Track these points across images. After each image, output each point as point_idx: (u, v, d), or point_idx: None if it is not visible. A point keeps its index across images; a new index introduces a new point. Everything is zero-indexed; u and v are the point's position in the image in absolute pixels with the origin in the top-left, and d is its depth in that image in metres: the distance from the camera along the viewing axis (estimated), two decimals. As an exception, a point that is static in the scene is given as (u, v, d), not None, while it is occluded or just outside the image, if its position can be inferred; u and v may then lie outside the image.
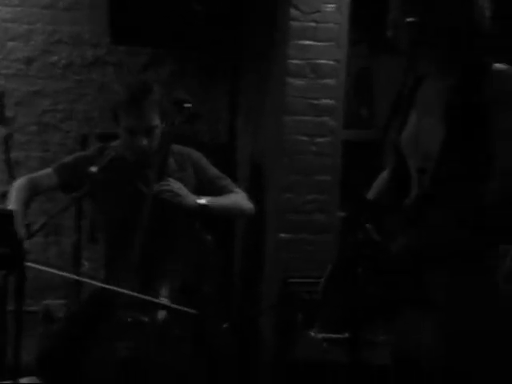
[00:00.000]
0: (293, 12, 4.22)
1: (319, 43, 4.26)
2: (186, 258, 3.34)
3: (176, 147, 3.45)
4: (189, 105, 3.32)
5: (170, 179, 3.31)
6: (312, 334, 3.76)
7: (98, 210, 3.56)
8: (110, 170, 3.22)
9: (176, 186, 3.29)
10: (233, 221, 4.94)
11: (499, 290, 2.45)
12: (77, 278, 3.93)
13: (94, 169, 3.03)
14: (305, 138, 4.30)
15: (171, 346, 3.14)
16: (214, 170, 3.54)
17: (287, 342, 3.97)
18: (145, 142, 3.29)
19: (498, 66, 2.36)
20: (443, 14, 2.37)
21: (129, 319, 3.06)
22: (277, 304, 4.24)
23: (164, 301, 3.10)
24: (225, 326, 3.09)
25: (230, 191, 3.50)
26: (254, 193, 3.99)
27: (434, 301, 2.37)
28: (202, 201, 3.32)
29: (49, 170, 3.45)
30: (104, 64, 5.09)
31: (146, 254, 3.18)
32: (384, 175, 2.78)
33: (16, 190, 3.32)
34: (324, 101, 4.32)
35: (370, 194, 2.70)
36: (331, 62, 4.29)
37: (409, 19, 2.36)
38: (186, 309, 3.00)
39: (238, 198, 3.53)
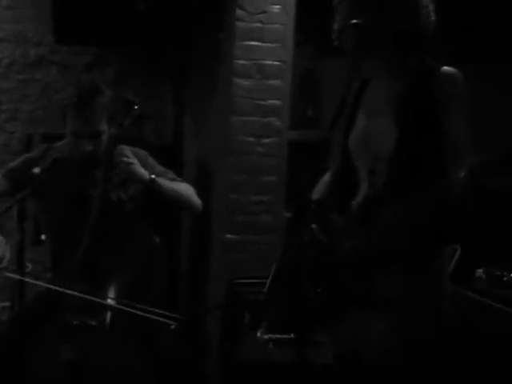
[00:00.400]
0: (239, 12, 4.21)
1: (265, 44, 4.27)
2: (134, 259, 3.32)
3: (124, 149, 3.42)
4: (137, 106, 3.30)
5: (126, 148, 3.30)
6: (258, 334, 3.76)
7: (43, 211, 3.51)
8: (54, 170, 3.18)
9: (129, 155, 3.28)
10: (180, 221, 4.92)
11: (445, 291, 2.48)
12: (26, 279, 3.87)
13: (36, 170, 2.99)
14: (251, 139, 4.30)
15: (118, 348, 3.12)
16: (160, 167, 3.54)
17: (234, 343, 3.96)
18: (90, 147, 3.27)
19: (445, 68, 2.39)
20: (388, 16, 2.39)
21: (75, 322, 3.03)
22: (223, 305, 4.23)
23: (111, 302, 3.07)
24: (172, 326, 3.07)
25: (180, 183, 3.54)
26: (200, 193, 3.96)
27: (384, 303, 2.39)
28: (153, 177, 3.32)
29: None
30: (48, 63, 5.03)
31: (92, 255, 3.16)
32: (327, 176, 2.80)
33: None
34: (270, 101, 4.33)
35: (315, 195, 2.71)
36: (277, 63, 4.30)
37: (354, 21, 2.38)
38: (134, 310, 2.98)
39: (188, 189, 3.56)
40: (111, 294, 3.16)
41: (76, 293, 2.96)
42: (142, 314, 2.94)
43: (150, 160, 3.54)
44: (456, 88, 2.37)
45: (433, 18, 2.46)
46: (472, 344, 3.31)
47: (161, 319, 2.98)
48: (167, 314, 3.04)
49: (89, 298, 2.96)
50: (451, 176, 2.24)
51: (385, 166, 2.42)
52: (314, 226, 2.47)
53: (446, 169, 2.29)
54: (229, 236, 4.31)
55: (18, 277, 3.84)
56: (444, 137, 2.33)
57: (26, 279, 3.65)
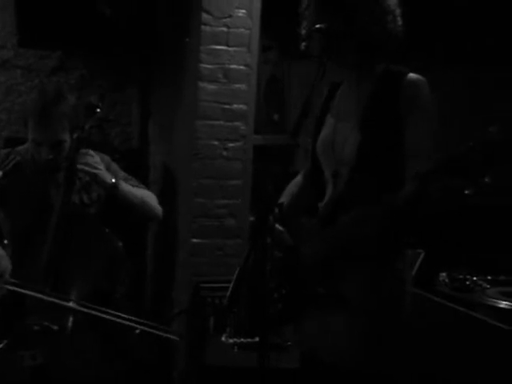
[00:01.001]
0: (204, 16, 4.21)
1: (231, 48, 4.27)
2: (97, 264, 3.31)
3: (89, 153, 3.41)
4: (99, 109, 3.29)
5: (90, 151, 3.28)
6: (223, 338, 3.76)
7: (5, 215, 3.49)
8: (15, 174, 3.16)
9: (94, 159, 3.27)
10: (145, 225, 4.90)
11: (406, 292, 2.50)
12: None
13: None
14: (216, 143, 4.30)
15: (81, 353, 3.10)
16: (123, 173, 3.53)
17: (199, 347, 3.95)
18: (50, 156, 3.25)
19: (411, 75, 2.41)
20: (354, 22, 2.40)
21: (35, 327, 3.00)
22: (188, 309, 4.22)
23: (73, 306, 3.05)
24: (137, 331, 3.06)
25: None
26: (165, 197, 3.96)
27: (345, 303, 2.41)
28: (115, 180, 3.31)
29: None
30: (11, 67, 4.98)
31: (55, 260, 3.14)
32: (297, 179, 2.81)
33: None
34: (236, 106, 4.33)
35: (284, 197, 2.72)
36: (242, 67, 4.30)
37: (319, 26, 2.39)
38: (97, 313, 2.97)
39: (150, 196, 3.56)
40: (74, 297, 3.14)
41: (40, 295, 2.93)
42: (106, 317, 2.93)
43: (113, 165, 3.53)
44: (420, 95, 2.39)
45: (400, 24, 2.48)
46: (433, 346, 3.33)
47: (125, 323, 2.97)
48: (132, 318, 3.03)
49: (52, 300, 2.94)
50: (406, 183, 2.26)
51: (347, 170, 2.44)
52: (278, 228, 2.49)
53: (405, 174, 2.31)
54: (194, 240, 4.31)
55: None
56: (406, 143, 2.35)
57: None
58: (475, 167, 2.04)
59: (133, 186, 3.50)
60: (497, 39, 4.80)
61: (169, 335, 3.04)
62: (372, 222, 2.32)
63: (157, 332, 3.03)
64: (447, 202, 2.18)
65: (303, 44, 2.52)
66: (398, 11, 2.47)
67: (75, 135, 3.28)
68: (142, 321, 3.05)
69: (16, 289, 3.01)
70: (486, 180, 2.06)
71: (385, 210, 2.28)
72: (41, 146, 3.25)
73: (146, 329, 3.03)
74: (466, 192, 2.11)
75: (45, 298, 2.95)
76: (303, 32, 2.52)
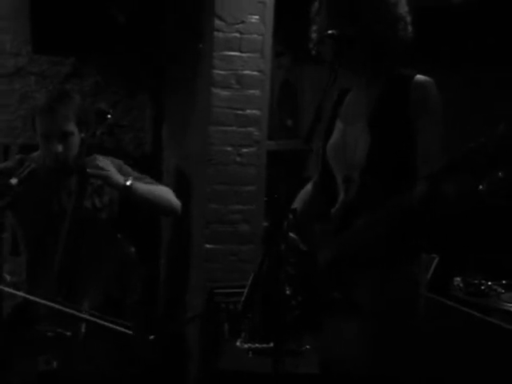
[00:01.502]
0: (217, 23, 4.22)
1: (244, 54, 4.28)
2: (109, 270, 3.32)
3: (97, 157, 3.42)
4: (110, 116, 3.30)
5: (99, 156, 3.30)
6: (238, 344, 3.76)
7: (19, 222, 3.50)
8: (30, 181, 3.17)
9: (104, 162, 3.28)
10: (159, 230, 4.91)
11: (420, 296, 2.50)
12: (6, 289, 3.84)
13: (13, 181, 2.98)
14: (230, 149, 4.30)
15: (94, 360, 3.10)
16: (136, 173, 3.53)
17: (213, 353, 3.96)
18: (60, 148, 3.27)
19: (419, 77, 2.41)
20: (365, 27, 2.41)
21: (49, 333, 3.01)
22: (201, 314, 4.22)
23: (86, 314, 3.06)
24: (151, 337, 3.05)
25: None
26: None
27: (358, 307, 2.41)
28: (129, 182, 3.32)
29: None
30: (26, 74, 5.00)
31: (67, 266, 3.14)
32: (309, 186, 2.82)
33: None
34: (249, 111, 4.33)
35: (296, 204, 2.72)
36: (256, 73, 4.31)
37: (331, 32, 2.39)
38: (108, 324, 2.96)
39: (166, 191, 3.57)
40: (86, 304, 3.14)
41: (51, 303, 2.94)
42: (115, 327, 2.92)
43: (125, 167, 3.54)
44: (429, 97, 2.39)
45: (410, 30, 2.49)
46: (448, 351, 3.32)
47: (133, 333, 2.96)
48: (142, 326, 3.02)
49: (63, 309, 2.94)
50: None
51: (359, 174, 2.44)
52: (291, 234, 2.49)
53: (416, 177, 2.31)
54: (207, 246, 4.31)
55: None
56: (416, 145, 2.36)
57: (6, 289, 3.63)
58: (488, 162, 2.05)
59: (148, 183, 3.50)
60: (498, 39, 4.82)
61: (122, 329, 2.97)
62: (384, 224, 2.32)
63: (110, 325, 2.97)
64: (462, 200, 2.17)
65: (314, 49, 2.53)
66: (408, 18, 2.49)
67: (86, 139, 3.29)
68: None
69: (28, 297, 3.02)
70: (500, 175, 2.06)
71: (397, 212, 2.28)
72: (49, 139, 3.28)
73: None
74: (481, 188, 2.11)
75: (56, 306, 2.94)
76: (314, 36, 2.53)
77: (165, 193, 3.57)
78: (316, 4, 2.54)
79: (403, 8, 2.47)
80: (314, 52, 2.54)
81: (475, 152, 2.06)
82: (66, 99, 3.30)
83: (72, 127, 3.29)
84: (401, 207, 2.26)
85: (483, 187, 2.10)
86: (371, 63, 2.49)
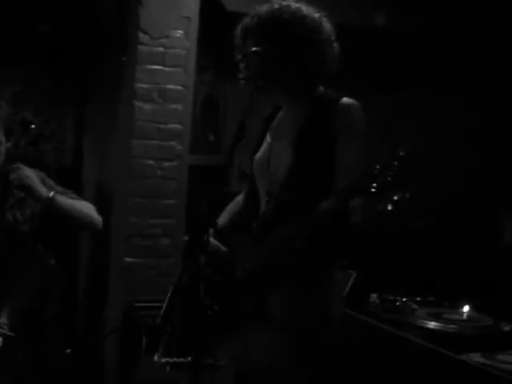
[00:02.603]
0: (141, 36, 4.23)
1: (167, 68, 4.29)
2: (28, 282, 3.27)
3: (21, 167, 3.37)
4: (33, 125, 3.26)
5: (23, 166, 3.24)
6: (155, 358, 3.74)
7: None
8: None
9: (28, 172, 3.23)
10: (78, 243, 4.86)
11: (334, 311, 2.53)
12: None
13: None
14: (151, 162, 4.30)
15: (12, 374, 3.05)
16: (59, 187, 3.49)
17: (130, 367, 3.93)
18: None
19: (344, 99, 2.46)
20: (289, 47, 2.45)
21: None
22: (120, 328, 4.20)
23: (4, 327, 3.01)
24: (68, 351, 3.03)
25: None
26: (99, 215, 3.92)
27: (270, 319, 2.44)
28: (52, 194, 3.27)
29: None
30: None
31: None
32: (238, 198, 2.84)
33: None
34: (171, 125, 4.34)
35: (222, 218, 2.75)
36: (179, 87, 4.33)
37: (255, 49, 2.43)
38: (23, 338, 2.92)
39: (88, 206, 3.52)
40: (4, 317, 3.09)
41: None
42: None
43: (48, 180, 3.49)
44: (353, 119, 2.44)
45: (336, 50, 2.54)
46: (363, 366, 3.38)
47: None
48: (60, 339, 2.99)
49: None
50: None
51: (278, 189, 2.48)
52: (214, 242, 2.51)
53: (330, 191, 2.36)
54: (127, 259, 4.29)
55: None
56: (336, 162, 2.40)
57: None
58: (387, 184, 2.11)
59: (70, 198, 3.47)
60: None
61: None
62: (294, 238, 2.35)
63: None
64: (370, 219, 2.23)
65: (240, 71, 2.56)
66: (333, 37, 2.53)
67: (10, 150, 3.25)
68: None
69: None
70: (407, 196, 2.13)
71: (303, 227, 2.32)
72: None
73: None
74: (379, 209, 2.17)
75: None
76: (239, 53, 2.56)
77: (87, 208, 3.54)
78: (239, 28, 2.57)
79: (328, 28, 2.52)
80: (240, 76, 2.57)
81: (378, 173, 2.12)
82: None
83: (1, 137, 3.24)
84: (308, 222, 2.30)
85: (382, 207, 2.16)
86: (295, 82, 2.52)
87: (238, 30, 2.57)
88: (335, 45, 2.54)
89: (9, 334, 2.92)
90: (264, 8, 2.52)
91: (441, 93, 4.99)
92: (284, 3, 2.51)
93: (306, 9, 2.51)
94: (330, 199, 2.25)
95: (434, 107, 5.03)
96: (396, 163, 2.11)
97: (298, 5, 2.51)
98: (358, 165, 2.40)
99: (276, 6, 2.51)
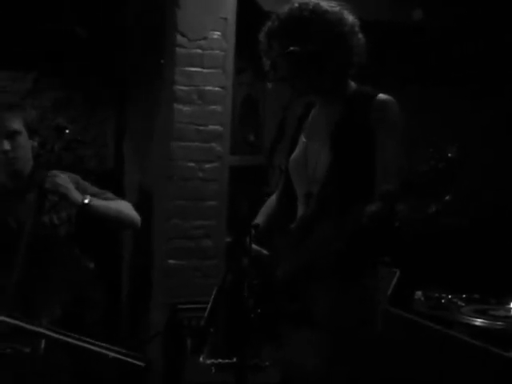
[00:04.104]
0: (179, 38, 4.24)
1: (205, 70, 4.30)
2: (67, 286, 3.29)
3: (55, 173, 3.40)
4: (68, 131, 3.29)
5: (56, 172, 3.27)
6: (201, 359, 3.75)
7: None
8: None
9: (62, 178, 3.25)
10: (120, 247, 4.89)
11: (378, 310, 2.52)
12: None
13: None
14: (192, 164, 4.31)
15: (54, 377, 3.08)
16: (94, 188, 3.51)
17: (176, 369, 3.94)
18: (7, 146, 3.26)
19: (380, 96, 2.44)
20: (322, 44, 2.44)
21: (8, 351, 2.98)
22: (163, 331, 4.21)
23: (45, 330, 3.02)
24: (110, 356, 3.03)
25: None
26: (141, 218, 3.95)
27: (316, 320, 2.43)
28: (87, 200, 3.29)
29: None
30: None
31: (25, 282, 3.11)
32: (271, 200, 2.83)
33: None
34: (211, 127, 4.35)
35: (259, 218, 2.74)
36: (217, 89, 4.33)
37: (289, 49, 2.42)
38: (69, 339, 2.94)
39: (125, 205, 3.54)
40: (44, 320, 3.12)
41: (11, 320, 2.91)
42: (76, 342, 2.90)
43: (83, 182, 3.51)
44: (390, 115, 2.42)
45: (362, 42, 2.52)
46: (409, 364, 3.35)
47: (95, 349, 2.94)
48: (103, 344, 3.00)
49: (23, 325, 2.91)
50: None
51: (319, 189, 2.46)
52: (255, 248, 2.50)
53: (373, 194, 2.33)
54: (170, 261, 4.30)
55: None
56: (376, 161, 2.38)
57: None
58: (436, 186, 2.09)
59: (105, 198, 3.48)
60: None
61: (135, 361, 2.99)
62: (338, 238, 2.34)
63: (123, 358, 2.99)
64: (413, 220, 2.21)
65: (271, 74, 2.55)
66: (357, 28, 2.52)
67: (44, 155, 3.28)
68: (108, 346, 3.01)
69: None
70: (447, 198, 2.10)
71: (350, 227, 2.31)
72: None
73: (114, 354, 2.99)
74: (430, 211, 2.15)
75: (14, 322, 2.91)
76: (272, 54, 2.54)
77: (124, 207, 3.55)
78: (262, 33, 2.56)
79: (353, 20, 2.51)
80: (270, 77, 2.56)
81: (426, 176, 2.09)
82: (13, 106, 3.32)
83: (18, 126, 3.29)
84: (353, 223, 2.29)
85: (432, 210, 2.14)
86: (325, 77, 2.51)
87: (262, 35, 2.56)
88: (360, 36, 2.52)
89: (53, 335, 2.94)
90: (283, 9, 2.52)
91: (459, 90, 4.98)
92: (303, 1, 2.50)
93: (325, 4, 2.50)
94: (377, 201, 2.22)
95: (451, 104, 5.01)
96: (443, 165, 2.08)
97: (316, 1, 2.50)
98: (396, 162, 2.37)
99: (295, 4, 2.50)
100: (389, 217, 2.22)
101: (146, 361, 3.02)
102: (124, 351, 3.03)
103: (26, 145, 3.31)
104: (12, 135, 3.28)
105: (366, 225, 2.24)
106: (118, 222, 3.51)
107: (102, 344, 2.99)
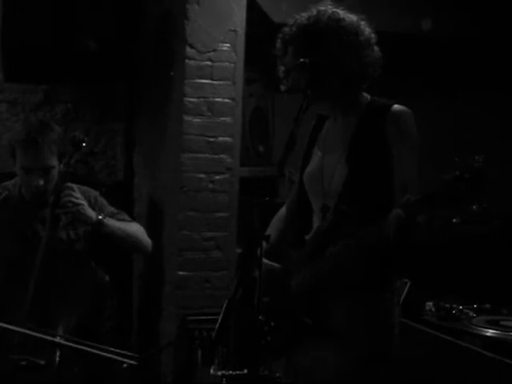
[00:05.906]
0: (188, 51, 4.25)
1: (215, 82, 4.31)
2: (82, 298, 3.30)
3: (72, 187, 3.41)
4: (84, 144, 3.30)
5: (74, 187, 3.27)
6: (211, 371, 3.74)
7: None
8: (3, 209, 3.16)
9: (76, 195, 3.26)
10: (131, 259, 4.89)
11: (395, 322, 2.51)
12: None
13: None
14: (202, 176, 4.31)
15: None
16: (111, 208, 3.53)
17: (187, 380, 3.94)
18: (41, 182, 3.26)
19: (396, 107, 2.44)
20: (336, 55, 2.44)
21: (22, 363, 2.98)
22: (176, 342, 4.21)
23: (62, 339, 3.03)
24: (124, 365, 3.03)
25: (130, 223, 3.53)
26: (151, 230, 3.96)
27: (331, 334, 2.42)
28: (101, 217, 3.30)
29: None
30: (-2, 102, 4.98)
31: (41, 295, 3.12)
32: (282, 212, 2.83)
33: None
34: (221, 138, 4.35)
35: (270, 230, 2.73)
36: (227, 101, 4.34)
37: (302, 60, 2.42)
38: (84, 347, 2.94)
39: (139, 229, 3.55)
40: (61, 331, 3.12)
41: (26, 331, 2.91)
42: (94, 351, 2.91)
43: (100, 200, 3.52)
44: (406, 126, 2.41)
45: (377, 52, 2.52)
46: (421, 375, 3.34)
47: (114, 357, 2.95)
48: (119, 351, 3.01)
49: (39, 335, 2.92)
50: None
51: (335, 202, 2.46)
52: (265, 260, 2.50)
53: (392, 205, 2.32)
54: (180, 273, 4.31)
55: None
56: (393, 175, 2.37)
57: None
58: (462, 196, 2.07)
59: (120, 219, 3.49)
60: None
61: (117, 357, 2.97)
62: (357, 251, 2.33)
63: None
64: (436, 232, 2.20)
65: (284, 82, 2.56)
66: (373, 40, 2.52)
67: (61, 168, 3.29)
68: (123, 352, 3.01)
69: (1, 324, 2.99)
70: (474, 208, 2.09)
71: (370, 241, 2.30)
72: (31, 173, 3.27)
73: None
74: (454, 221, 2.14)
75: (29, 333, 2.92)
76: (286, 65, 2.55)
77: (137, 231, 3.56)
78: (278, 39, 2.57)
79: (368, 30, 2.51)
80: (283, 86, 2.57)
81: (451, 185, 2.08)
82: (47, 130, 3.29)
83: (54, 161, 3.29)
84: (373, 236, 2.28)
85: (457, 220, 2.12)
86: (343, 89, 2.51)
87: (278, 41, 2.57)
88: (376, 48, 2.52)
89: (69, 344, 2.94)
90: (301, 16, 2.53)
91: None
92: (321, 9, 2.51)
93: (342, 13, 2.50)
94: (398, 209, 2.21)
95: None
96: (469, 175, 2.06)
97: (334, 9, 2.51)
98: (415, 174, 2.37)
99: (314, 12, 2.51)
100: (409, 227, 2.21)
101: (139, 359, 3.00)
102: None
103: (56, 174, 3.32)
104: (47, 170, 3.29)
105: (388, 238, 2.24)
106: (129, 244, 3.53)
107: (117, 350, 3.00)
